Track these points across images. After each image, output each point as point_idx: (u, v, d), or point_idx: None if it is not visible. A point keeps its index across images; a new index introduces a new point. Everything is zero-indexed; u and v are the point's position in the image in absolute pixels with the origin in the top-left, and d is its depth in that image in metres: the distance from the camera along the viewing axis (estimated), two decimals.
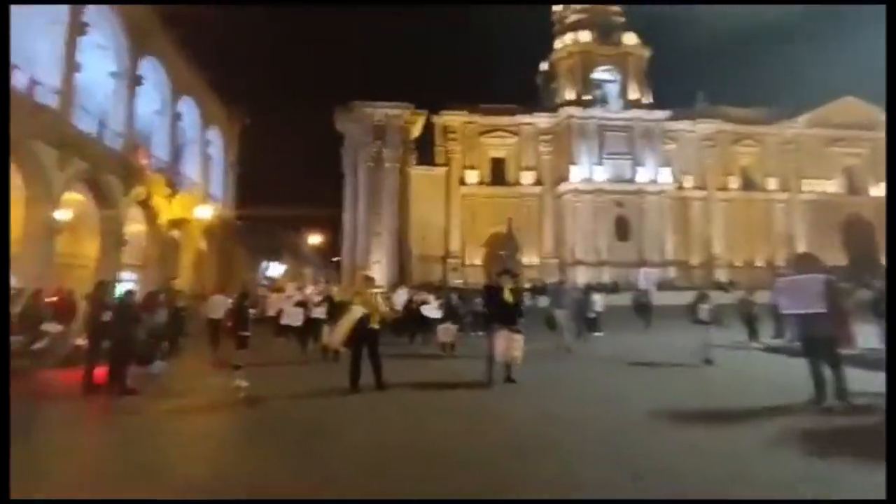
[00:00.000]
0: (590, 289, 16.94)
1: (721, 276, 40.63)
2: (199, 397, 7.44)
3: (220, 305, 11.35)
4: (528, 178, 43.61)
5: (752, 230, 44.91)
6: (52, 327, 10.43)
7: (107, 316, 7.62)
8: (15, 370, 7.14)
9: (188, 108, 23.14)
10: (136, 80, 18.40)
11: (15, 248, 14.24)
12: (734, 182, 45.62)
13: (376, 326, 6.90)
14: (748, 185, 45.94)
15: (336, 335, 6.99)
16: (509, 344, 7.08)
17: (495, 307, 7.53)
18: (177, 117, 21.52)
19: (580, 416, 5.59)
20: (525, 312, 7.99)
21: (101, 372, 7.51)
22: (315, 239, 39.75)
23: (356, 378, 6.75)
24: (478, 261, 42.12)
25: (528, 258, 42.03)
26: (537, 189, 43.39)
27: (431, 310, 12.58)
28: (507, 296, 7.35)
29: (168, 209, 20.71)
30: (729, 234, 44.27)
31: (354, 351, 6.75)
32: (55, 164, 14.23)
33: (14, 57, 13.02)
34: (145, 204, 19.48)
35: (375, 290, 9.64)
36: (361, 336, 6.72)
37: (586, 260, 40.57)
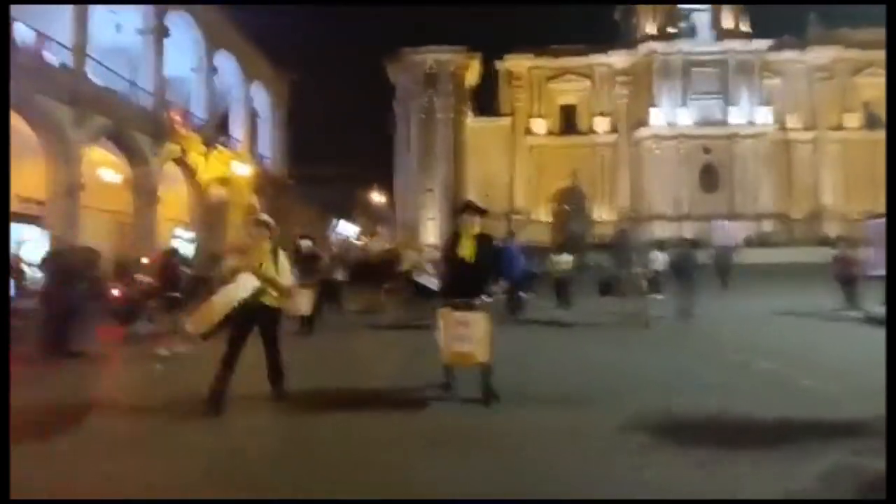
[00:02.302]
0: (654, 244, 14.38)
1: (831, 230, 35.13)
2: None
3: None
4: (601, 125, 39.99)
5: (875, 176, 38.22)
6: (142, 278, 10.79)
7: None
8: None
9: (229, 66, 22.89)
10: (162, 33, 18.18)
11: (41, 206, 14.73)
12: (853, 120, 38.87)
13: (273, 304, 4.65)
14: (872, 122, 38.89)
15: (202, 317, 4.54)
16: (455, 332, 4.44)
17: (446, 268, 5.25)
18: (212, 72, 21.28)
19: None
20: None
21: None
22: (379, 196, 39.35)
23: (220, 390, 4.36)
24: (545, 217, 39.81)
25: (600, 213, 38.99)
26: (612, 137, 39.72)
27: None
28: (464, 248, 4.72)
29: (206, 167, 20.79)
30: (843, 182, 38.09)
31: (233, 343, 4.46)
32: (71, 121, 14.30)
33: (23, 12, 13.02)
34: (182, 162, 19.61)
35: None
36: (247, 320, 4.51)
37: (666, 214, 36.83)
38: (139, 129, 17.12)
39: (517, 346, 7.49)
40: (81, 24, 14.77)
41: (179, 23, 19.43)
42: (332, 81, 38.29)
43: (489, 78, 38.93)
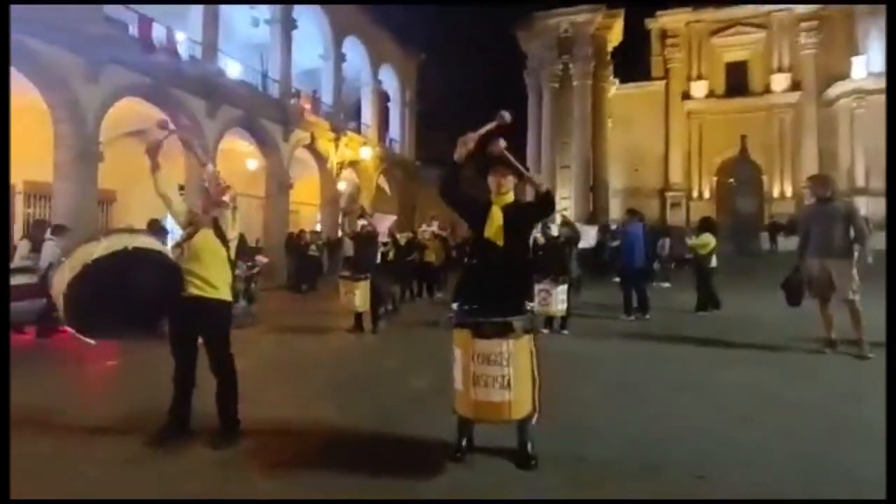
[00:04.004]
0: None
1: None
2: None
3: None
4: (780, 82, 33.49)
5: None
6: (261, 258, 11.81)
7: None
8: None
9: (356, 50, 23.16)
10: (290, 25, 18.76)
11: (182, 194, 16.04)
12: None
13: (206, 295, 3.52)
14: None
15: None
16: (480, 371, 2.91)
17: (468, 260, 3.70)
18: (340, 58, 21.62)
19: None
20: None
21: None
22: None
23: (176, 417, 3.60)
24: (707, 193, 34.84)
25: (777, 188, 32.94)
26: (793, 96, 33.07)
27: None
28: (491, 226, 3.36)
29: (335, 152, 21.31)
30: None
31: (175, 354, 3.61)
32: (204, 113, 15.27)
33: (158, 12, 14.09)
34: (311, 148, 20.28)
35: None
36: (183, 320, 3.56)
37: (872, 187, 29.69)
38: (269, 117, 17.91)
39: (608, 372, 5.77)
40: (212, 21, 15.62)
41: (307, 11, 19.92)
42: (460, 57, 37.14)
43: (635, 39, 34.77)
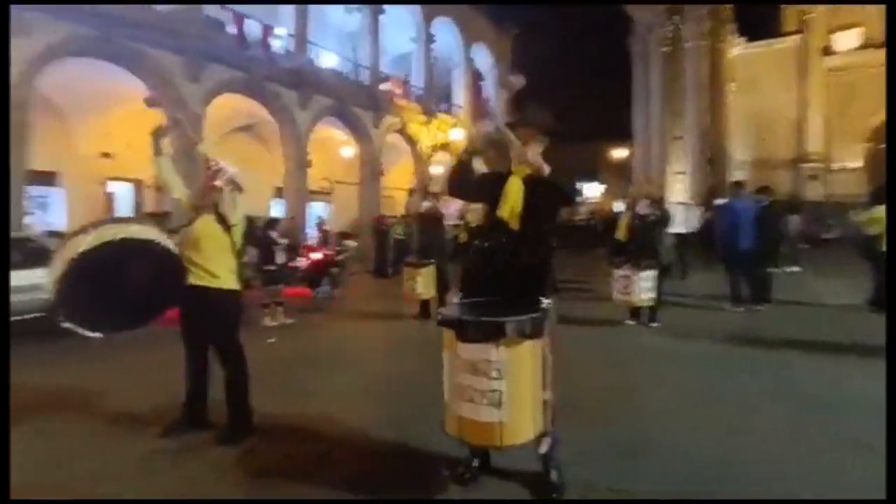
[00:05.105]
0: None
1: None
2: None
3: None
4: None
5: None
6: (350, 243, 12.65)
7: None
8: None
9: (448, 31, 22.74)
10: (378, 10, 18.79)
11: (280, 180, 16.82)
12: None
13: (207, 284, 3.32)
14: None
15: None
16: (462, 381, 2.33)
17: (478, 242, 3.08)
18: (430, 40, 21.32)
19: None
20: None
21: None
22: (622, 152, 35.40)
23: (191, 407, 3.52)
24: (854, 163, 30.04)
25: None
26: None
27: None
28: (507, 203, 2.73)
29: (426, 135, 21.17)
30: None
31: (185, 344, 3.51)
32: (297, 103, 15.79)
33: (250, 9, 14.72)
34: (403, 132, 20.32)
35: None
36: (187, 310, 3.40)
37: None
38: (360, 105, 18.16)
39: (692, 377, 4.88)
40: (303, 14, 16.04)
41: None
42: (557, 28, 34.81)
43: None
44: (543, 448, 2.45)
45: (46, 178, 13.47)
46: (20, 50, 10.00)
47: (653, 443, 3.25)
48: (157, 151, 3.46)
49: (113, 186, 15.15)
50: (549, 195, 2.75)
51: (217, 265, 3.36)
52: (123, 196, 15.39)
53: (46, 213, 13.67)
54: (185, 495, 2.77)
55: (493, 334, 2.20)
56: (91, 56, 11.40)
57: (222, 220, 3.39)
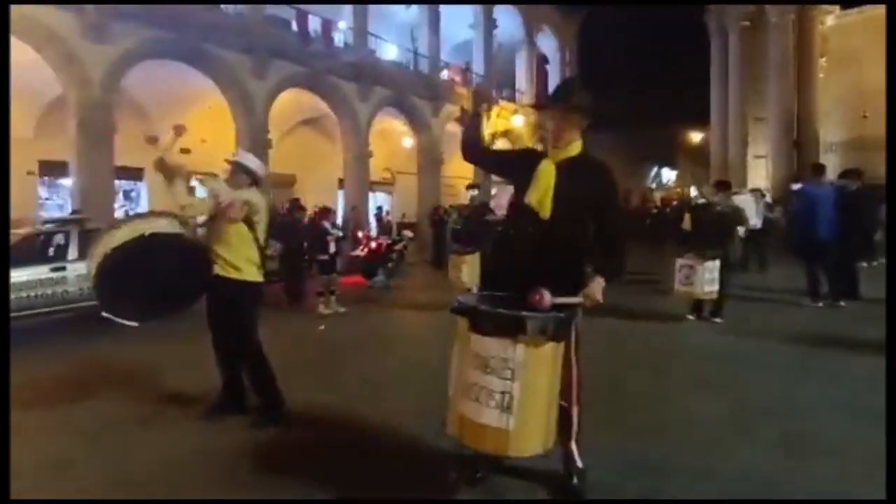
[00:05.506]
0: None
1: None
2: None
3: None
4: None
5: None
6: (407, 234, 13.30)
7: None
8: None
9: (510, 17, 22.26)
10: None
11: (341, 172, 17.20)
12: None
13: (228, 275, 3.45)
14: None
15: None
16: (470, 379, 2.19)
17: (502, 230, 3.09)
18: (491, 26, 20.96)
19: None
20: None
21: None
22: (698, 135, 33.37)
23: (226, 386, 3.72)
24: None
25: None
26: None
27: None
28: (537, 189, 2.55)
29: (488, 123, 20.86)
30: None
31: (211, 329, 3.64)
32: (356, 96, 16.06)
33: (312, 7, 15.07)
34: (462, 121, 20.16)
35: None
36: (211, 298, 3.55)
37: None
38: (419, 94, 18.21)
39: (753, 383, 4.49)
40: (363, 7, 16.23)
41: None
42: (626, 8, 32.90)
43: None
44: (579, 462, 2.36)
45: (134, 174, 14.59)
46: (103, 55, 10.80)
47: (692, 458, 3.01)
48: (170, 182, 3.37)
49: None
50: (586, 188, 2.54)
51: (238, 258, 3.48)
52: (201, 189, 16.40)
53: (136, 204, 15.16)
54: (196, 474, 2.88)
55: (513, 329, 2.02)
56: (168, 58, 12.12)
57: (246, 217, 3.49)
